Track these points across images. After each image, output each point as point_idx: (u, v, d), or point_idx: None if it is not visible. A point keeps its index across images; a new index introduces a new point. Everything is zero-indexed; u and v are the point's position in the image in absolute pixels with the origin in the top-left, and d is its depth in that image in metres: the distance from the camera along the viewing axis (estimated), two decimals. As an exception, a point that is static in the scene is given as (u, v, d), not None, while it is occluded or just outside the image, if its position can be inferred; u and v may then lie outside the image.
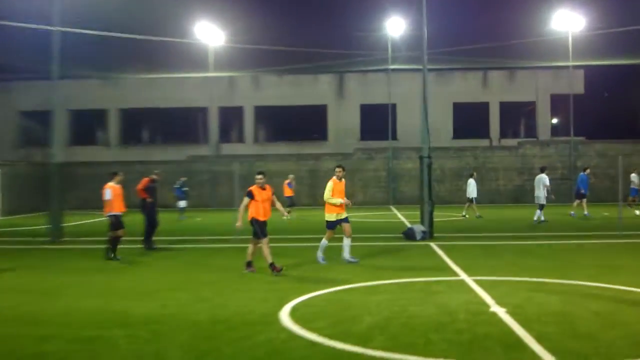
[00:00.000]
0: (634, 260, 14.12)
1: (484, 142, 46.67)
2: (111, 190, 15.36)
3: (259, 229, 12.65)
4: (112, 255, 15.31)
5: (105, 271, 13.78)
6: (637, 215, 25.95)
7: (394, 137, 43.79)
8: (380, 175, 41.51)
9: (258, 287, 11.41)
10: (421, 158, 20.88)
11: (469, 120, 48.29)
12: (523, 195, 39.98)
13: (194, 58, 42.35)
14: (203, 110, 46.40)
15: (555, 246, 17.23)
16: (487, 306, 9.36)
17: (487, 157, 41.56)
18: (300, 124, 48.43)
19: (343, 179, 14.16)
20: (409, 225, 21.82)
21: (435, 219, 20.11)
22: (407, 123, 44.64)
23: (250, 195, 13.02)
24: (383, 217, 29.53)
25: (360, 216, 29.26)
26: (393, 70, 42.91)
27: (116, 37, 30.50)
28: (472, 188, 28.10)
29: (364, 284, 11.57)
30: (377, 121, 45.19)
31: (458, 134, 47.68)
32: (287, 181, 30.51)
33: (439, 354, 7.07)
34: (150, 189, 18.01)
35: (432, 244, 17.77)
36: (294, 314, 9.14)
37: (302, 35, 42.50)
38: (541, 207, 24.57)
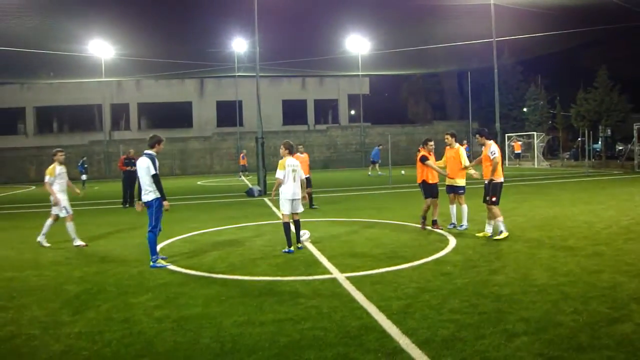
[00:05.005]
0: (395, 203, 15.95)
1: (304, 127, 52.80)
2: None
3: None
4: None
5: (19, 228, 14.04)
6: (402, 175, 27.56)
7: (241, 124, 48.90)
8: (232, 151, 46.90)
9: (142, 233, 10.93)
10: (256, 139, 22.39)
11: (293, 112, 53.49)
12: (330, 163, 46.44)
13: (91, 66, 44.48)
14: (99, 107, 50.36)
15: (346, 196, 18.69)
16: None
17: (306, 137, 47.23)
18: (172, 116, 51.55)
19: (453, 144, 11.60)
20: (250, 186, 23.14)
21: (268, 181, 21.31)
22: (250, 114, 49.03)
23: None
24: (234, 182, 31.05)
25: (218, 181, 32.28)
26: (238, 76, 47.94)
27: (30, 52, 34.07)
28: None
29: (214, 229, 11.91)
30: (229, 113, 50.17)
31: (286, 121, 53.66)
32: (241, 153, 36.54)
33: (262, 273, 7.93)
34: (126, 164, 18.11)
35: (265, 199, 18.99)
36: (160, 253, 9.44)
37: (172, 49, 42.15)
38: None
